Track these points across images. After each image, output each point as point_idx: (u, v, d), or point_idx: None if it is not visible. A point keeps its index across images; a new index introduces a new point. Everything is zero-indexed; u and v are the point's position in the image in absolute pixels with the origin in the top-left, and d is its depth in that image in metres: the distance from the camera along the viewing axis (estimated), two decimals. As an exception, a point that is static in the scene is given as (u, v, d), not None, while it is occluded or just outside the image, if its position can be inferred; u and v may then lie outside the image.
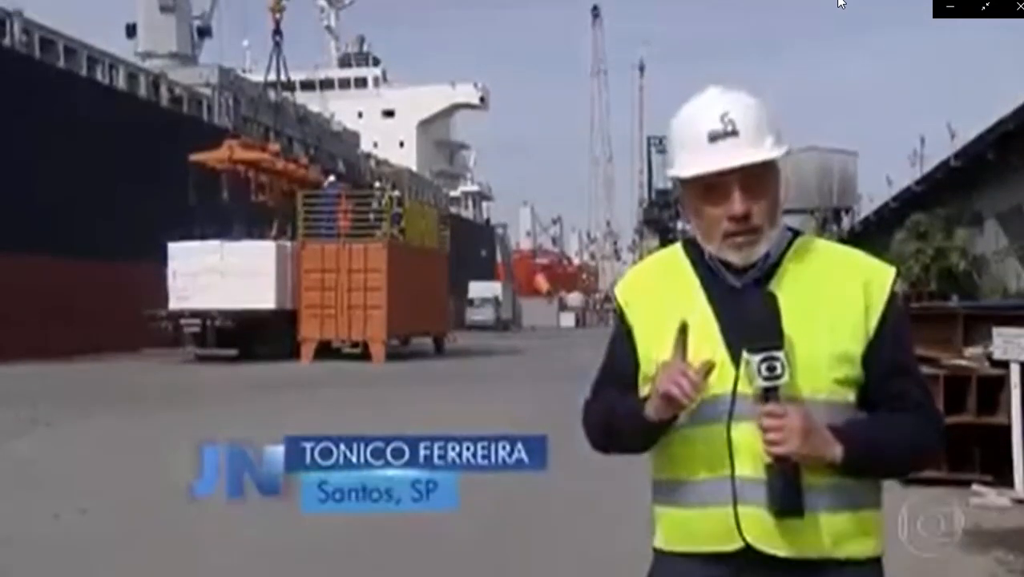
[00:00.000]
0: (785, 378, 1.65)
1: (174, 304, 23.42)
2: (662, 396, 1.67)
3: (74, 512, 6.56)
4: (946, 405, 7.14)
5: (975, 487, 7.04)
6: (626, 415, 1.77)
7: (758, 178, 1.73)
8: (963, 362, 7.74)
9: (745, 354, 1.67)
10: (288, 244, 25.10)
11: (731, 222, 1.73)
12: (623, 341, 1.86)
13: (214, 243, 24.04)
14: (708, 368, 1.66)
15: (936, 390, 7.11)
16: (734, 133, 1.72)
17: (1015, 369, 6.96)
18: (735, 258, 1.75)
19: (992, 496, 6.86)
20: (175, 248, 23.68)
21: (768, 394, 1.66)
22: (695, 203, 1.78)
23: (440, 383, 18.11)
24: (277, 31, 32.91)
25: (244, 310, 22.96)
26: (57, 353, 22.68)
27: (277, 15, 32.55)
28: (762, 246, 1.75)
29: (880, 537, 1.78)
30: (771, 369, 1.65)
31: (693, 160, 1.74)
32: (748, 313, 1.69)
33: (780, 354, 1.65)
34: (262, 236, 26.31)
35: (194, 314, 23.26)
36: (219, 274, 23.10)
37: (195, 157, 26.46)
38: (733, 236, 1.74)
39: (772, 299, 1.69)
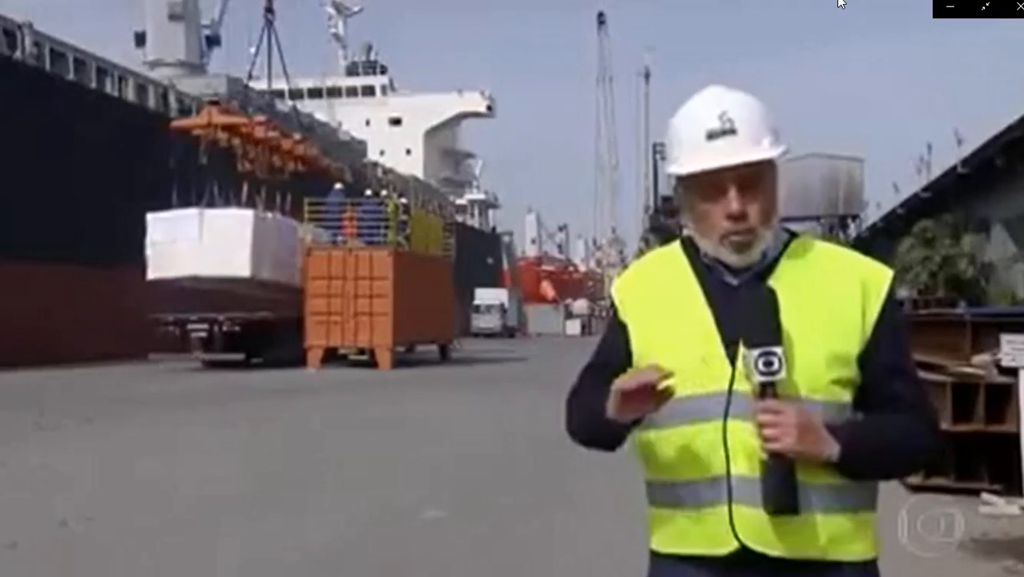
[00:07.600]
0: (782, 374, 1.64)
1: (152, 274, 23.04)
2: (616, 393, 1.66)
3: (80, 518, 6.56)
4: (954, 413, 7.10)
5: (984, 496, 7.00)
6: (596, 412, 1.74)
7: (755, 177, 1.73)
8: (971, 370, 7.69)
9: (743, 349, 1.67)
10: (270, 215, 24.59)
11: (728, 221, 1.72)
12: (615, 335, 1.87)
13: (192, 211, 23.31)
14: (668, 374, 1.63)
15: (944, 398, 7.07)
16: (732, 131, 1.71)
17: (1024, 377, 6.92)
18: (732, 259, 1.75)
19: (1001, 504, 6.82)
20: (153, 218, 23.19)
21: (765, 390, 1.65)
22: (692, 201, 1.77)
23: (447, 387, 18.09)
24: (269, 8, 32.55)
25: (220, 277, 22.57)
26: (62, 358, 22.69)
27: None
28: (758, 247, 1.75)
29: (875, 539, 1.77)
30: (768, 364, 1.63)
31: (691, 158, 1.74)
32: (746, 309, 1.68)
33: (778, 350, 1.64)
34: (251, 205, 25.71)
35: (201, 319, 23.19)
36: (196, 242, 22.63)
37: (176, 124, 26.20)
38: (729, 236, 1.73)
39: (771, 295, 1.68)
